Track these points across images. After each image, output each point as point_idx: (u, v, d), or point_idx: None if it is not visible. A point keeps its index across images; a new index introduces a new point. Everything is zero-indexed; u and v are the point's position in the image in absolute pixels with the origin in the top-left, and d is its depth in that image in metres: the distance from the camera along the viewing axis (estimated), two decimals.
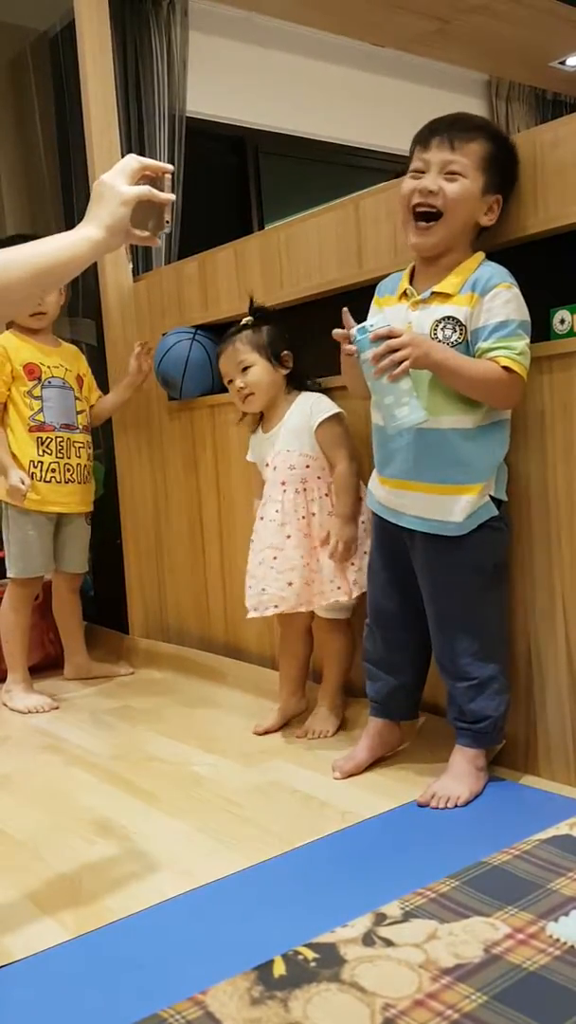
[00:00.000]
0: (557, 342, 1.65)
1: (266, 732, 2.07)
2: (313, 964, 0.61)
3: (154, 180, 1.33)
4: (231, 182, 3.78)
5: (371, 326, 1.53)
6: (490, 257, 1.73)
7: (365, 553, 1.95)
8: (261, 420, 2.08)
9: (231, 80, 3.62)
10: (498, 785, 1.70)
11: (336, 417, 1.97)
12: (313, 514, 1.96)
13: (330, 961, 0.61)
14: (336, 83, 3.84)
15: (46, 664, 2.73)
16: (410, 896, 0.66)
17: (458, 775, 1.67)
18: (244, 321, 2.02)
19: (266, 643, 2.39)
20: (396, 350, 1.50)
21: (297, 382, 2.03)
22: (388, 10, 3.45)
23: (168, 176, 1.34)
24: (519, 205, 1.67)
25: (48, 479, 2.47)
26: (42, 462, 2.46)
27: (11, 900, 1.41)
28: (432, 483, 1.63)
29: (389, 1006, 0.56)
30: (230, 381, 2.03)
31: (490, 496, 1.64)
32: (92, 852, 1.55)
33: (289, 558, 1.95)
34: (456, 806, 1.62)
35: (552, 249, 1.70)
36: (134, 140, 3.24)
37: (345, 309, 1.60)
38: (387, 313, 1.67)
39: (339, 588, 1.94)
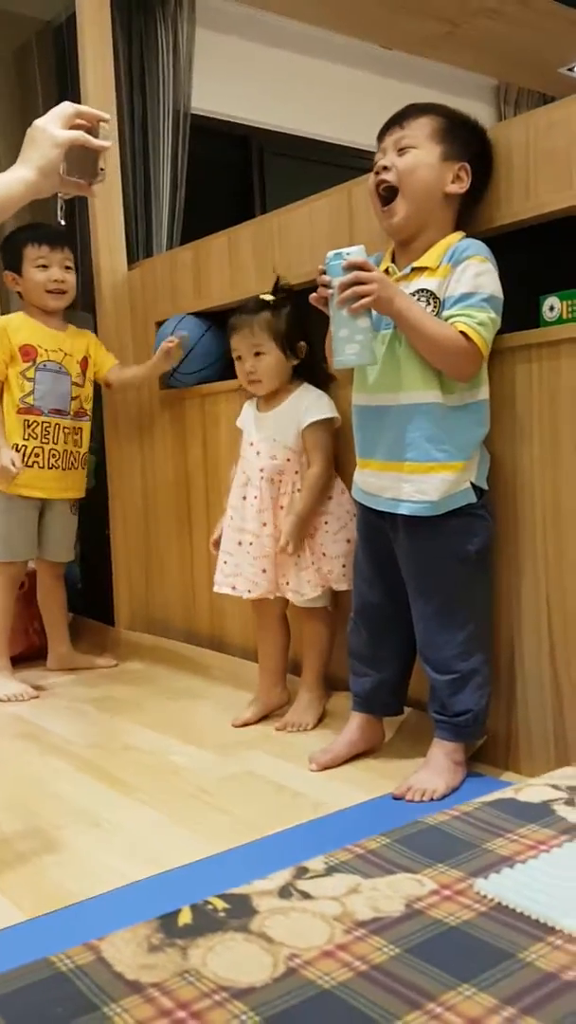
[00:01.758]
0: (546, 330, 1.63)
1: (244, 724, 2.03)
2: (222, 914, 0.58)
3: (90, 129, 1.32)
4: (235, 180, 3.78)
5: (347, 253, 1.52)
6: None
7: (348, 541, 1.93)
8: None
9: (238, 78, 3.61)
10: (477, 780, 1.66)
11: (327, 422, 1.95)
12: (281, 507, 1.96)
13: (240, 912, 0.58)
14: (343, 84, 3.83)
15: (30, 654, 2.70)
16: (337, 852, 0.63)
17: (436, 768, 1.63)
18: (265, 297, 1.98)
19: (250, 636, 2.36)
20: (365, 284, 1.49)
21: (304, 373, 2.00)
22: (397, 12, 3.45)
23: (104, 124, 1.33)
24: (510, 190, 1.65)
25: (31, 463, 2.45)
26: (25, 446, 2.44)
27: None
28: (407, 461, 1.61)
29: (294, 956, 0.53)
30: (239, 358, 2.01)
31: (471, 483, 1.61)
32: (59, 837, 1.53)
33: (264, 545, 1.95)
34: (432, 799, 1.58)
35: (543, 236, 1.68)
36: (138, 135, 3.23)
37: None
38: None
39: (308, 582, 1.92)
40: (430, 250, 1.61)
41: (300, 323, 1.97)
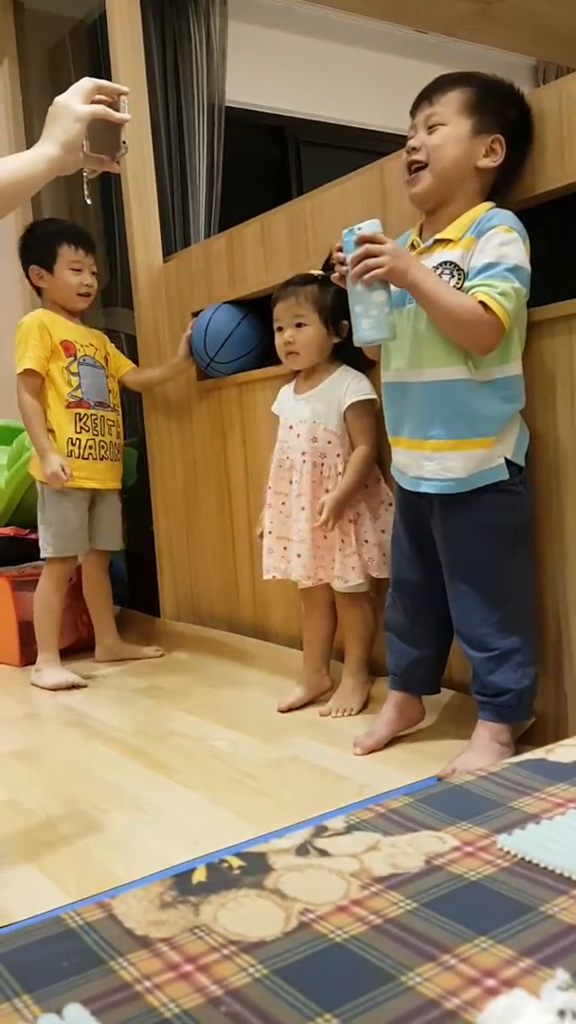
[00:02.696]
0: None
1: (289, 709, 2.02)
2: (237, 872, 0.56)
3: (111, 103, 1.32)
4: (272, 171, 3.77)
5: (359, 228, 1.49)
6: (517, 213, 1.68)
7: (383, 531, 1.91)
8: (297, 375, 2.05)
9: (271, 69, 3.60)
10: None
11: (370, 402, 1.93)
12: (327, 491, 1.93)
13: (256, 869, 0.57)
14: (377, 70, 3.80)
15: (78, 647, 2.72)
16: (359, 811, 0.62)
17: (480, 749, 1.60)
18: (315, 272, 1.97)
19: (293, 624, 2.35)
20: (376, 256, 1.46)
21: (344, 355, 1.98)
22: None
23: (124, 98, 1.33)
24: (545, 158, 1.61)
25: (86, 456, 2.47)
26: (79, 439, 2.46)
27: (17, 866, 1.39)
28: (438, 439, 1.58)
29: (307, 911, 0.52)
30: (280, 328, 1.99)
31: (506, 459, 1.57)
32: (103, 821, 1.53)
33: (300, 530, 1.94)
34: None
35: None
36: (173, 130, 3.24)
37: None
38: None
39: (353, 568, 1.90)
40: (455, 222, 1.58)
41: (347, 302, 1.95)
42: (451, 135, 1.56)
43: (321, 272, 1.96)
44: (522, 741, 1.67)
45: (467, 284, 1.52)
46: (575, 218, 1.68)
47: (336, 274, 1.56)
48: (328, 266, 1.98)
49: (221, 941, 0.51)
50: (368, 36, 3.80)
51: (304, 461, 1.95)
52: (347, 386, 1.94)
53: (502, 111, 1.59)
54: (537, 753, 0.70)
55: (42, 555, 2.50)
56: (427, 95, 1.61)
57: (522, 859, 0.55)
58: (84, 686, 2.37)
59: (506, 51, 3.95)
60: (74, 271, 2.46)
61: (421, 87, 1.65)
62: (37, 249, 2.48)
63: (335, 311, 1.92)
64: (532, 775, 0.65)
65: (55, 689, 2.35)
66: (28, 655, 2.68)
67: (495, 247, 1.50)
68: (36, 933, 0.53)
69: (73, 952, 0.51)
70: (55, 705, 2.26)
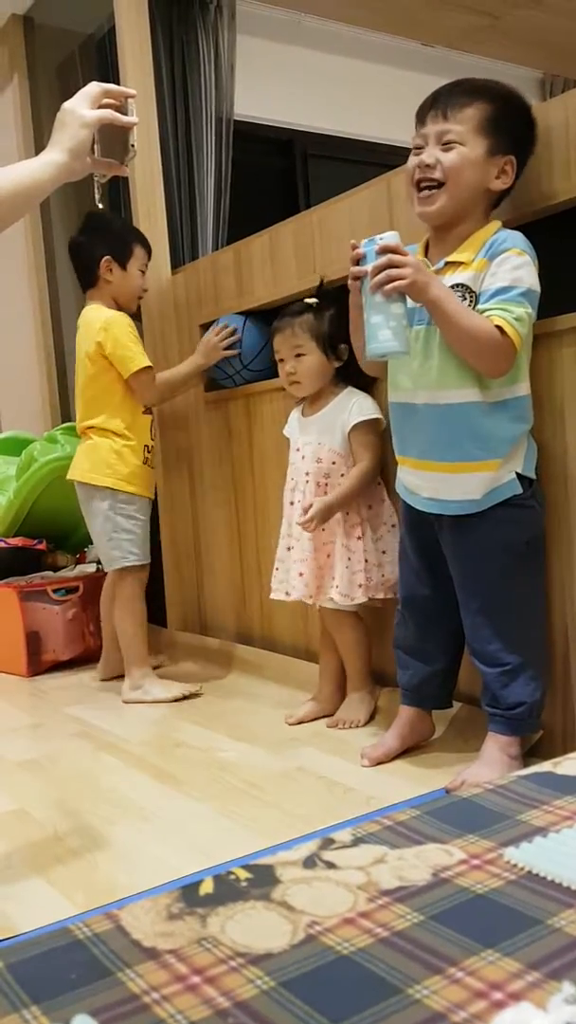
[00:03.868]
0: None
1: (299, 722, 2.02)
2: (244, 884, 0.56)
3: (119, 107, 1.32)
4: (280, 184, 3.79)
5: (380, 238, 1.48)
6: (521, 227, 1.69)
7: (384, 552, 1.92)
8: (304, 399, 2.06)
9: (279, 83, 3.63)
10: None
11: (374, 423, 1.94)
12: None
13: (263, 881, 0.57)
14: (385, 84, 3.82)
15: (84, 658, 2.72)
16: (366, 824, 0.62)
17: (490, 762, 1.60)
18: (308, 300, 1.98)
19: (300, 635, 2.35)
20: (399, 268, 1.45)
21: (347, 376, 1.98)
22: (437, 7, 3.42)
23: (131, 101, 1.33)
24: (550, 171, 1.61)
25: (153, 464, 2.45)
26: (151, 446, 2.43)
27: (24, 877, 1.39)
28: (449, 462, 1.57)
29: (315, 923, 0.52)
30: (281, 360, 2.01)
31: (516, 473, 1.57)
32: (111, 832, 1.53)
33: (303, 549, 1.95)
34: None
35: None
36: (181, 143, 3.26)
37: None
38: None
39: (360, 586, 1.90)
40: (465, 244, 1.57)
41: (343, 325, 1.96)
42: (468, 158, 1.53)
43: (315, 300, 1.97)
44: (530, 754, 1.67)
45: (481, 306, 1.51)
46: (568, 232, 1.68)
47: (352, 281, 1.55)
48: (322, 293, 2.00)
49: (228, 953, 0.51)
50: (375, 50, 3.82)
51: (308, 481, 1.96)
52: (351, 407, 1.95)
53: (515, 130, 1.57)
54: (544, 766, 0.70)
55: (116, 566, 2.37)
56: (441, 106, 1.56)
57: (529, 872, 0.55)
58: (200, 694, 2.32)
59: (513, 64, 3.97)
60: (141, 273, 2.43)
61: None
62: (115, 242, 2.39)
63: (332, 336, 1.94)
64: (539, 788, 0.65)
65: (174, 701, 2.28)
66: (35, 665, 2.69)
67: (509, 271, 1.50)
68: (44, 944, 0.53)
69: (81, 963, 0.51)
70: (62, 716, 2.26)
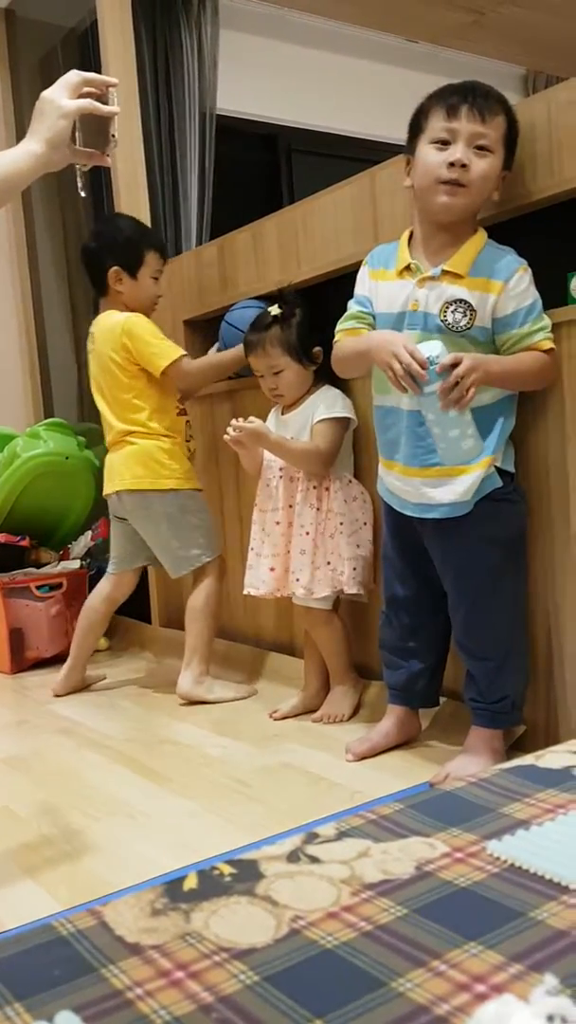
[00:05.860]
0: (574, 307, 1.60)
1: (284, 717, 2.02)
2: (228, 879, 0.57)
3: (100, 96, 1.29)
4: (264, 179, 3.78)
5: (436, 356, 1.47)
6: (506, 222, 1.69)
7: (358, 546, 1.93)
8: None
9: (263, 77, 3.62)
10: None
11: (339, 421, 1.94)
12: (291, 506, 1.97)
13: (247, 876, 0.57)
14: (369, 79, 3.82)
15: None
16: (350, 818, 0.62)
17: (474, 755, 1.61)
18: (272, 311, 1.98)
19: (285, 631, 2.35)
20: (465, 379, 1.45)
21: (324, 372, 1.98)
22: (421, 3, 3.42)
23: (112, 90, 1.31)
24: (534, 168, 1.62)
25: (194, 462, 2.38)
26: (191, 447, 2.37)
27: (8, 874, 1.39)
28: (443, 467, 1.58)
29: (299, 918, 0.52)
30: (261, 376, 2.02)
31: (496, 467, 1.58)
32: (95, 829, 1.53)
33: (275, 544, 1.96)
34: None
35: (568, 211, 1.64)
36: (165, 138, 3.25)
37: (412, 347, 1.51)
38: (381, 289, 1.63)
39: (320, 581, 1.91)
40: (459, 253, 1.56)
41: (311, 327, 1.96)
42: (495, 169, 1.54)
43: (279, 310, 1.96)
44: (514, 748, 1.68)
45: (520, 330, 1.53)
46: (561, 225, 1.69)
47: (406, 383, 1.50)
48: (284, 300, 1.99)
49: (212, 948, 0.51)
50: (360, 45, 3.81)
51: (281, 477, 1.97)
52: (322, 404, 1.96)
53: (514, 148, 1.59)
54: (527, 759, 0.70)
55: (196, 564, 2.29)
56: (478, 107, 1.51)
57: (512, 865, 0.56)
58: (254, 693, 2.27)
59: (497, 60, 3.98)
60: (154, 280, 2.32)
61: (413, 96, 1.61)
62: (125, 251, 2.28)
63: (303, 343, 1.95)
64: (522, 781, 0.65)
65: (245, 698, 2.23)
66: (18, 662, 2.68)
67: (527, 288, 1.54)
68: (27, 941, 0.53)
69: (64, 960, 0.51)
70: (46, 713, 2.26)
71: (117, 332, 2.24)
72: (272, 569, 1.96)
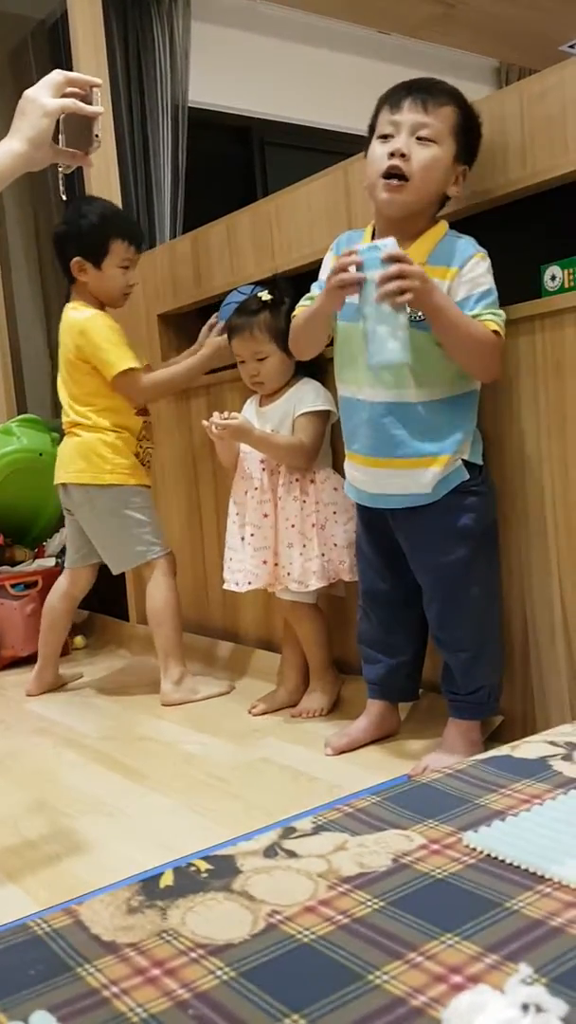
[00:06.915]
0: (548, 299, 1.60)
1: (263, 713, 2.02)
2: (204, 875, 0.56)
3: (83, 96, 1.28)
4: (237, 172, 3.77)
5: (383, 245, 1.42)
6: (478, 215, 1.70)
7: (336, 545, 1.91)
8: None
9: (236, 70, 3.60)
10: None
11: (320, 414, 1.93)
12: (279, 498, 1.95)
13: (224, 872, 0.57)
14: (342, 71, 3.81)
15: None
16: (327, 812, 0.62)
17: (451, 747, 1.61)
18: (262, 296, 1.96)
19: (263, 627, 2.35)
20: (406, 278, 1.40)
21: (304, 365, 1.97)
22: None
23: (96, 90, 1.30)
24: (506, 160, 1.62)
25: (147, 463, 2.31)
26: (147, 448, 2.31)
27: None
28: (400, 458, 1.56)
29: (275, 912, 0.52)
30: (242, 362, 1.99)
31: (463, 460, 1.58)
32: (73, 828, 1.52)
33: (265, 537, 1.94)
34: None
35: (540, 204, 1.65)
36: (137, 131, 3.23)
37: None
38: None
39: (314, 572, 1.89)
40: (416, 244, 1.55)
41: None
42: (441, 159, 1.51)
43: (269, 296, 1.95)
44: (492, 739, 1.69)
45: (472, 311, 1.50)
46: (534, 217, 1.69)
47: (343, 280, 1.46)
48: (273, 287, 1.97)
49: (189, 945, 0.51)
50: (332, 37, 3.81)
51: (263, 469, 1.96)
52: (302, 396, 1.95)
53: (472, 143, 1.57)
54: (503, 750, 0.70)
55: (140, 561, 2.26)
56: (421, 98, 1.51)
57: (488, 855, 0.56)
58: (234, 688, 2.25)
59: (469, 52, 3.98)
60: (123, 269, 2.21)
61: (385, 88, 1.58)
62: (86, 240, 2.17)
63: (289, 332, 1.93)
64: (498, 772, 0.65)
65: (227, 693, 2.21)
66: None
67: (483, 274, 1.52)
68: (2, 941, 0.53)
69: (40, 959, 0.51)
70: (22, 711, 2.24)
71: (75, 330, 2.19)
72: (265, 562, 1.94)
